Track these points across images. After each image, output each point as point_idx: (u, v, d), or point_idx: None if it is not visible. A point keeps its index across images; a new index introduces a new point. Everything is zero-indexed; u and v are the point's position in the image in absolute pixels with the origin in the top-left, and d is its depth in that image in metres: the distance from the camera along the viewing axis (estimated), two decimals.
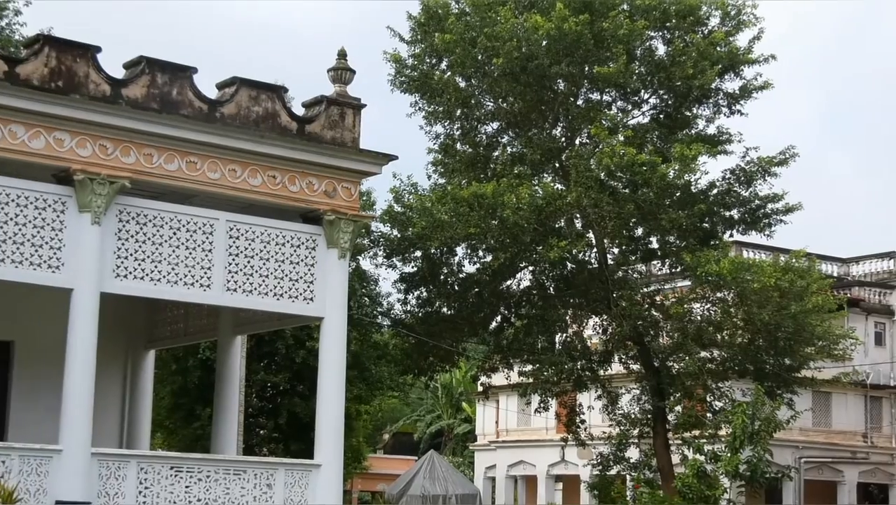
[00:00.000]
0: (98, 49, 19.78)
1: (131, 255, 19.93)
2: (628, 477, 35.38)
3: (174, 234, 20.30)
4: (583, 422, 34.75)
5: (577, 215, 30.36)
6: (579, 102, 30.93)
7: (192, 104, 20.44)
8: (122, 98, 19.78)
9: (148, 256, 20.05)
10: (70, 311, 19.37)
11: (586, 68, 29.94)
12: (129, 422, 25.01)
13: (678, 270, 32.13)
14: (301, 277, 21.39)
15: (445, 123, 31.75)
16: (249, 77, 21.27)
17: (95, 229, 19.46)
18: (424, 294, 32.23)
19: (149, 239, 20.09)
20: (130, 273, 19.90)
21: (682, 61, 29.87)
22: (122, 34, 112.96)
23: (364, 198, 36.09)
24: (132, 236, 19.97)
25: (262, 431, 38.13)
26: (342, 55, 22.42)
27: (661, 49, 31.23)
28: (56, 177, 19.54)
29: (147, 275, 20.02)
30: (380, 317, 37.60)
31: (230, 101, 20.85)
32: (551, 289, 32.12)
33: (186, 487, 20.13)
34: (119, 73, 20.25)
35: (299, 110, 22.09)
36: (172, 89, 20.28)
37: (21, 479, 18.24)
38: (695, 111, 31.69)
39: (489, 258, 30.61)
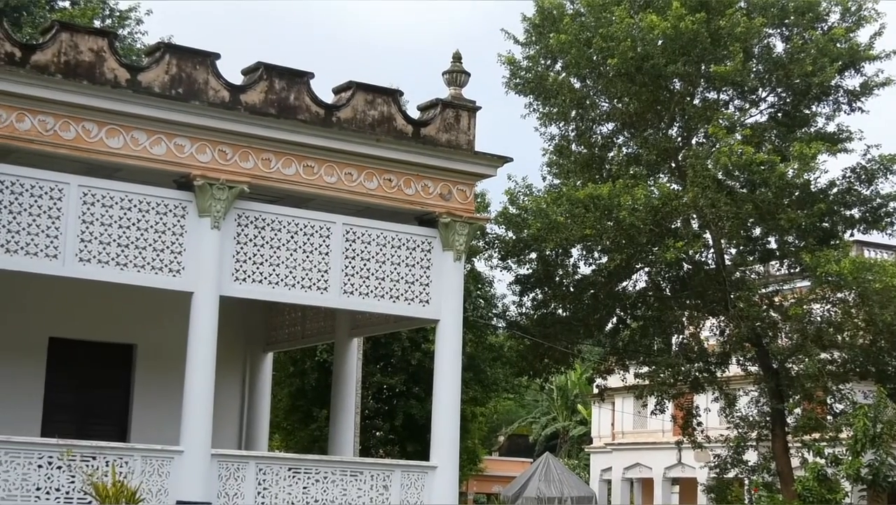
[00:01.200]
0: (217, 56, 20.06)
1: (250, 258, 20.17)
2: (746, 480, 34.91)
3: (291, 237, 20.51)
4: (699, 424, 34.39)
5: (694, 216, 30.00)
6: (696, 102, 30.57)
7: (308, 109, 20.63)
8: (240, 104, 20.03)
9: (266, 260, 20.28)
10: (190, 314, 19.67)
11: (703, 67, 29.58)
12: (248, 423, 25.31)
13: (797, 270, 31.58)
14: (417, 280, 21.47)
15: (560, 125, 31.61)
16: (365, 81, 21.41)
17: (215, 234, 19.73)
18: (539, 296, 32.13)
19: (267, 243, 20.32)
20: (249, 276, 20.14)
21: (801, 58, 29.36)
22: (234, 43, 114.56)
23: (479, 200, 36.13)
24: (251, 240, 20.21)
25: (378, 433, 38.35)
26: (457, 58, 22.45)
27: (780, 46, 30.74)
28: (177, 182, 19.86)
29: (265, 278, 20.25)
30: (495, 319, 37.54)
31: (346, 105, 21.00)
32: (667, 290, 31.81)
33: (304, 487, 20.31)
34: (237, 79, 20.53)
35: (414, 114, 22.18)
36: (290, 94, 20.49)
37: (143, 479, 18.54)
38: (814, 109, 31.11)
39: (605, 259, 30.40)
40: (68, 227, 18.86)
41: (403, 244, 21.45)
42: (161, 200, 19.61)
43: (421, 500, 21.05)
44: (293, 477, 20.28)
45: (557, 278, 31.67)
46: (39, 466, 18.41)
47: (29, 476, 18.32)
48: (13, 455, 18.28)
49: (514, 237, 30.55)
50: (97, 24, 35.98)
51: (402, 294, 21.33)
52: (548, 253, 30.53)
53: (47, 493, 18.38)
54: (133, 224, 19.33)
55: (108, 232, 19.14)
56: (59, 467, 18.45)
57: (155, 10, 36.39)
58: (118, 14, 38.80)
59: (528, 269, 31.58)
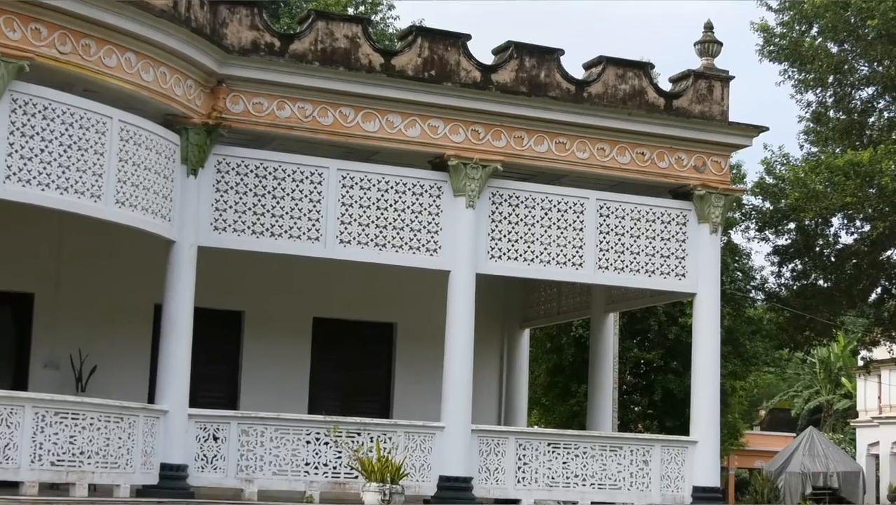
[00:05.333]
0: (468, 37, 20.27)
1: (504, 236, 20.35)
2: None
3: (545, 214, 20.59)
4: None
5: None
6: None
7: (559, 86, 20.65)
8: (492, 83, 20.20)
9: (521, 237, 20.42)
10: (448, 292, 19.97)
11: None
12: (507, 399, 25.56)
13: None
14: (672, 254, 21.27)
15: (817, 91, 30.73)
16: (614, 56, 21.29)
17: (470, 213, 19.97)
18: (799, 267, 31.40)
19: (521, 220, 20.45)
20: (504, 254, 20.33)
21: None
22: (481, 23, 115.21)
23: (734, 171, 35.50)
24: (505, 218, 20.38)
25: (636, 408, 38.18)
26: (708, 27, 22.10)
27: None
28: (431, 163, 20.18)
29: (520, 255, 20.40)
30: (753, 291, 36.87)
31: (597, 80, 20.93)
32: None
33: (564, 462, 20.41)
34: (486, 59, 20.69)
35: (665, 86, 21.95)
36: (540, 72, 20.55)
37: (407, 454, 18.91)
38: None
39: (867, 228, 29.49)
40: (329, 210, 19.40)
41: (658, 218, 21.28)
42: (417, 181, 19.97)
43: (682, 475, 20.89)
44: (552, 452, 20.40)
45: (817, 248, 30.89)
46: (308, 442, 19.04)
47: (298, 452, 18.98)
48: (283, 431, 18.96)
49: (771, 208, 29.91)
50: (351, 11, 36.88)
51: (657, 268, 21.18)
52: (807, 223, 29.80)
53: (315, 468, 19.00)
54: (390, 205, 19.74)
55: (367, 214, 19.60)
56: (326, 443, 19.05)
57: None
58: (370, 0, 39.70)
59: (786, 239, 30.89)
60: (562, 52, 20.77)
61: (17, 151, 15.89)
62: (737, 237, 36.21)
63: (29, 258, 20.53)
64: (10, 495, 15.68)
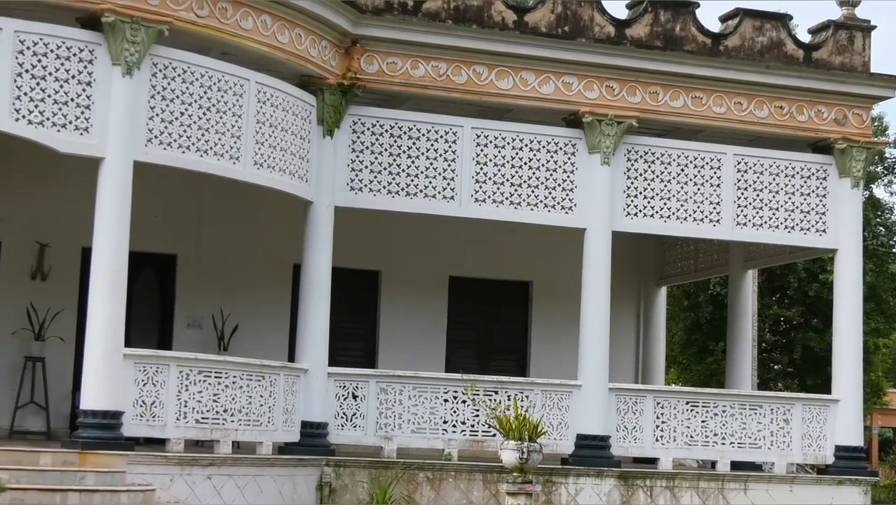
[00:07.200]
0: None
1: (640, 193, 20.17)
2: None
3: (681, 170, 20.36)
4: None
5: None
6: None
7: (695, 39, 20.36)
8: (625, 38, 19.99)
9: (656, 194, 20.23)
10: (584, 250, 19.88)
11: None
12: (643, 357, 25.40)
13: None
14: (812, 209, 20.88)
15: None
16: (751, 7, 20.92)
17: (605, 170, 19.83)
18: None
19: (657, 177, 20.26)
20: (640, 211, 20.16)
21: None
22: None
23: (876, 123, 34.73)
24: (640, 175, 20.20)
25: (776, 366, 37.71)
26: None
27: None
28: (565, 120, 20.07)
29: (656, 212, 20.22)
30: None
31: (734, 33, 20.59)
32: None
33: (702, 421, 20.24)
34: (620, 14, 20.50)
35: (804, 37, 21.52)
36: (675, 25, 20.28)
37: (544, 413, 18.92)
38: None
39: None
40: (463, 168, 19.43)
41: (797, 173, 20.89)
42: (551, 139, 19.88)
43: (824, 433, 20.58)
44: (691, 410, 20.24)
45: None
46: (445, 401, 19.17)
47: (436, 410, 19.12)
48: (421, 390, 19.11)
49: None
50: None
51: (796, 224, 20.82)
52: None
53: (453, 426, 19.12)
54: (525, 163, 19.69)
55: (501, 172, 19.58)
56: (464, 401, 19.15)
57: None
58: None
59: None
60: (697, 4, 20.47)
61: (157, 115, 16.18)
62: (879, 191, 35.50)
63: (171, 220, 20.94)
64: (157, 452, 16.08)
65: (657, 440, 19.99)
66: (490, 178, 19.51)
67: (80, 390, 15.94)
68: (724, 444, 20.29)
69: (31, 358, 19.56)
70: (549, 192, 19.74)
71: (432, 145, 19.34)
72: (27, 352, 19.62)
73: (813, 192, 20.90)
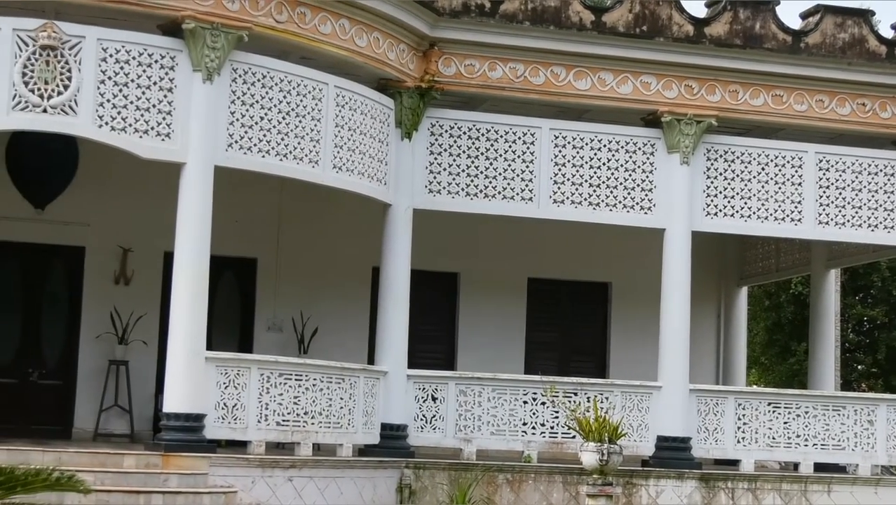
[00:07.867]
0: None
1: (720, 192, 20.01)
2: None
3: (762, 169, 20.17)
4: None
5: None
6: None
7: (775, 37, 20.15)
8: (704, 37, 19.83)
9: (737, 193, 20.05)
10: (663, 250, 19.77)
11: None
12: (724, 358, 25.19)
13: None
14: None
15: None
16: (833, 4, 20.68)
17: (684, 169, 19.69)
18: None
19: (737, 176, 20.08)
20: (720, 211, 20.00)
21: None
22: None
23: None
24: (720, 174, 20.04)
25: (859, 367, 37.25)
26: None
27: None
28: (644, 120, 19.96)
29: (737, 212, 20.05)
30: None
31: (815, 29, 20.35)
32: None
33: (784, 422, 20.03)
34: (699, 12, 20.36)
35: (887, 33, 21.24)
36: (755, 23, 20.09)
37: (624, 414, 18.86)
38: None
39: None
40: (541, 170, 19.39)
41: (881, 170, 20.61)
42: (629, 139, 19.78)
43: None
44: (773, 412, 20.04)
45: None
46: (525, 403, 19.14)
47: (515, 412, 19.09)
48: (500, 392, 19.10)
49: None
50: None
51: (881, 222, 20.55)
52: None
53: (533, 427, 19.09)
54: (603, 164, 19.61)
55: (580, 173, 19.52)
56: (543, 403, 19.11)
57: None
58: None
59: None
60: (777, 2, 20.27)
61: (238, 120, 16.31)
62: None
63: (251, 224, 21.10)
64: (238, 454, 16.21)
65: (738, 442, 19.82)
66: (568, 179, 19.46)
67: (163, 393, 16.11)
68: (806, 445, 20.08)
69: (115, 361, 19.83)
70: (629, 193, 19.64)
71: (510, 147, 19.32)
72: (111, 355, 19.89)
73: None
